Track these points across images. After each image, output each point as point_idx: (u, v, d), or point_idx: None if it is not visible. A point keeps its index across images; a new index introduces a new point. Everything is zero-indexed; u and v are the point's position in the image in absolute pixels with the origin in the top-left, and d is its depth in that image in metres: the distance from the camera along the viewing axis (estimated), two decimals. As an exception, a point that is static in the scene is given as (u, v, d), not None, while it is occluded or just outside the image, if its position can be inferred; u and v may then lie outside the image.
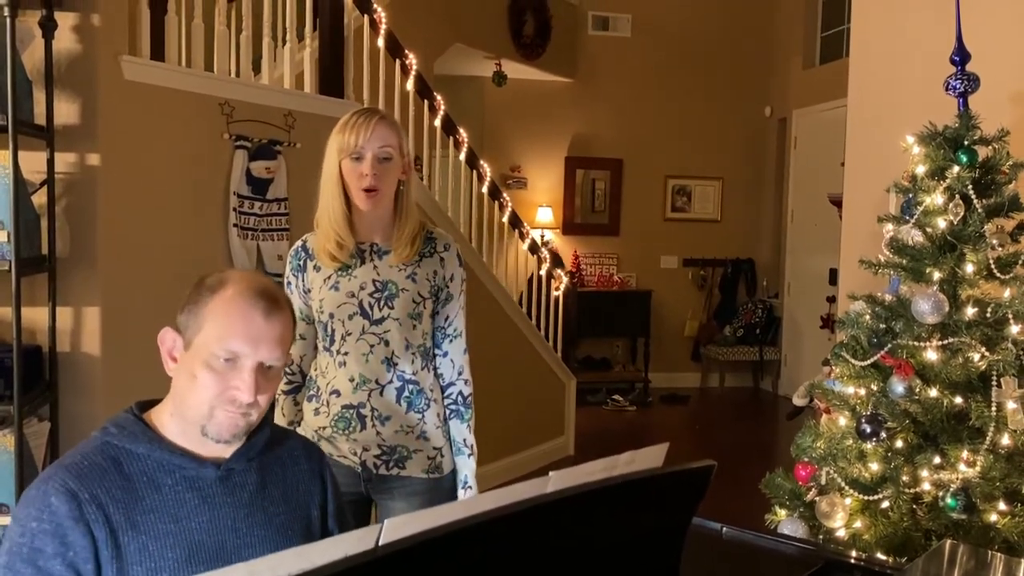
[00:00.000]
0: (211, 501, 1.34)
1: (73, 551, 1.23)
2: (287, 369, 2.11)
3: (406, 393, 2.02)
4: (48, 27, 2.61)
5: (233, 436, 1.35)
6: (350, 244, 1.99)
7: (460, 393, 2.10)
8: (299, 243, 2.09)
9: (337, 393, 2.02)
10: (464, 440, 2.11)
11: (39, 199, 2.66)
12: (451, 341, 2.09)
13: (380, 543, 0.83)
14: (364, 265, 2.01)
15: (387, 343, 1.99)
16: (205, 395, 1.32)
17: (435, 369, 2.09)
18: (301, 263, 2.06)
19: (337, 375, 2.01)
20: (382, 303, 1.99)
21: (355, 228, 2.01)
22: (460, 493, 2.10)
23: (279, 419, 2.12)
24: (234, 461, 1.38)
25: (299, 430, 2.09)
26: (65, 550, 1.22)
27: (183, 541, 1.30)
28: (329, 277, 2.01)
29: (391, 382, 2.00)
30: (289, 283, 2.08)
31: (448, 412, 2.11)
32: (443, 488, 2.08)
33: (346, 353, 2.00)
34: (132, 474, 1.31)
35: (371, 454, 2.01)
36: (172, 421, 1.37)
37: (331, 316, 2.00)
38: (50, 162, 2.65)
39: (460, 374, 2.10)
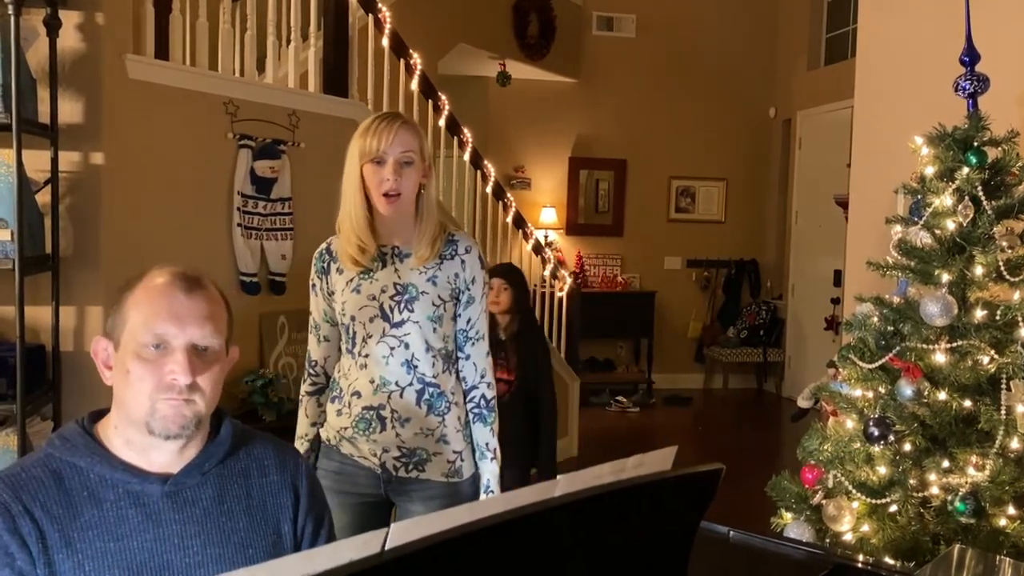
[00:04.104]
0: (156, 518, 1.26)
1: (19, 559, 1.18)
2: (311, 371, 2.12)
3: (426, 396, 2.01)
4: (52, 25, 2.60)
5: (181, 428, 1.27)
6: (372, 248, 1.99)
7: (483, 396, 2.08)
8: (323, 246, 2.10)
9: (358, 395, 2.02)
10: (487, 444, 2.09)
11: (43, 198, 2.65)
12: (473, 344, 2.07)
13: (386, 547, 0.81)
14: (385, 268, 2.02)
15: (407, 346, 1.99)
16: (143, 388, 1.25)
17: (457, 372, 2.08)
18: (325, 266, 2.07)
19: (359, 377, 2.02)
20: (402, 306, 1.99)
21: (376, 232, 2.01)
22: (483, 498, 2.06)
23: (302, 420, 2.12)
24: (184, 475, 1.30)
25: (322, 431, 2.10)
26: (12, 560, 1.18)
27: (123, 561, 1.22)
28: (351, 280, 2.02)
29: (411, 384, 2.00)
30: (313, 285, 2.09)
31: (471, 416, 2.09)
32: (463, 492, 2.06)
33: (367, 355, 2.01)
34: (72, 488, 1.24)
35: (391, 456, 2.01)
36: (116, 432, 1.30)
37: (353, 319, 2.01)
38: (54, 161, 2.64)
39: (483, 377, 2.09)
